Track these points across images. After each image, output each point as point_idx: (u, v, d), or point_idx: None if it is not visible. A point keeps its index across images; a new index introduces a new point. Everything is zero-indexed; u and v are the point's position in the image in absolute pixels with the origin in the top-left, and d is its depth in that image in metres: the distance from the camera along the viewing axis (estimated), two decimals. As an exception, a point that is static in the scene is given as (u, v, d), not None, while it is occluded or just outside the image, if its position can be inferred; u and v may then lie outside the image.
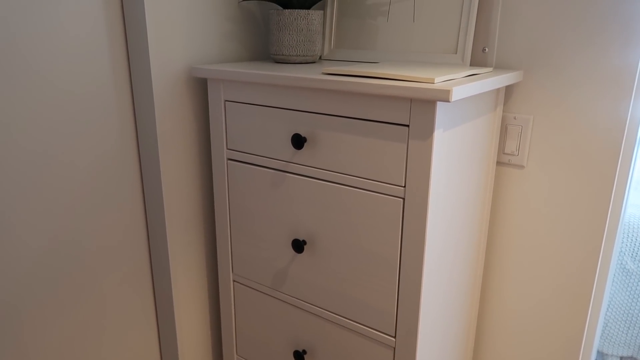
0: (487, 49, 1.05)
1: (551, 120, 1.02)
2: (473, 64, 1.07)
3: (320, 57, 1.20)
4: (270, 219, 1.00)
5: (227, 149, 1.03)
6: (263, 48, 1.22)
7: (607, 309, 1.68)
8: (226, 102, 1.00)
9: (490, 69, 0.96)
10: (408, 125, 0.78)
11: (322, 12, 1.08)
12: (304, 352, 1.03)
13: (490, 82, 0.86)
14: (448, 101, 0.71)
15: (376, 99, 0.80)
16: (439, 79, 0.77)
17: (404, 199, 0.81)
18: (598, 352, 1.76)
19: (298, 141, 0.89)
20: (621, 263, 1.63)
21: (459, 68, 0.92)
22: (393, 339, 0.89)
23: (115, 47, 0.97)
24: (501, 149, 1.08)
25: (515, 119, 1.05)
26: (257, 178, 0.99)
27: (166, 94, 1.01)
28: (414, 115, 0.77)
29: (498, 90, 1.00)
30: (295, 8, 1.07)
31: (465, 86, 0.75)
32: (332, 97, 0.85)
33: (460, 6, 1.02)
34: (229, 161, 1.03)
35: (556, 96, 1.00)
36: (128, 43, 0.99)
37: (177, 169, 1.06)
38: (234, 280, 1.12)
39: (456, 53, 1.03)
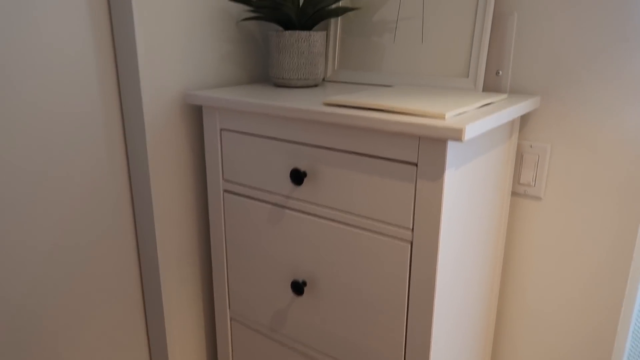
0: (501, 72, 0.99)
1: (571, 148, 0.94)
2: (486, 88, 1.00)
3: (323, 79, 1.14)
4: (268, 256, 0.93)
5: (224, 179, 0.97)
6: (263, 70, 1.16)
7: None
8: (222, 131, 0.94)
9: (504, 96, 0.89)
10: (416, 164, 0.71)
11: (324, 33, 1.01)
12: (305, 397, 0.97)
13: (507, 113, 0.79)
14: (460, 141, 0.64)
15: (381, 133, 0.74)
16: (450, 114, 0.70)
17: (411, 242, 0.75)
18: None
19: (297, 177, 0.83)
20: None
21: (471, 96, 0.85)
22: (400, 391, 0.82)
23: (104, 71, 0.92)
24: (516, 179, 1.00)
25: (531, 147, 0.98)
26: (254, 212, 0.93)
27: (159, 122, 0.95)
28: (423, 154, 0.70)
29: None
30: (296, 29, 1.00)
31: (479, 122, 0.68)
32: (333, 130, 0.79)
33: (472, 27, 0.95)
34: (225, 193, 0.97)
35: (576, 123, 0.93)
36: (118, 68, 0.93)
37: (171, 201, 1.00)
38: (231, 318, 1.05)
39: (468, 77, 0.96)
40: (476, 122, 0.67)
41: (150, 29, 0.90)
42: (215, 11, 1.01)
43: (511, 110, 0.80)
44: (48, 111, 0.85)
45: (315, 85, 1.04)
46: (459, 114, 0.72)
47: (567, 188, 0.96)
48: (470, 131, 0.66)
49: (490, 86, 1.00)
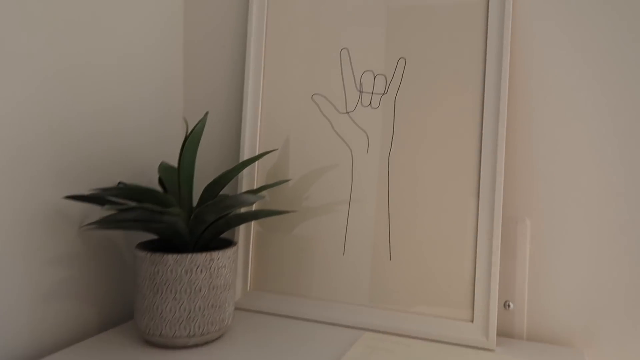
0: (512, 305, 0.65)
1: None
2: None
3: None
4: None
5: None
6: (127, 305, 0.70)
7: None
8: None
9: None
10: None
11: (234, 248, 0.61)
12: None
13: None
14: None
15: None
16: None
17: None
18: None
19: None
20: None
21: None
22: None
23: None
24: None
25: None
26: None
27: None
28: None
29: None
30: (187, 251, 0.58)
31: None
32: None
33: (473, 243, 0.61)
34: None
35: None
36: None
37: None
38: None
39: (472, 321, 0.60)
40: None
41: None
42: (41, 212, 0.56)
43: None
44: None
45: (220, 337, 0.61)
46: None
47: None
48: None
49: (498, 326, 0.65)
